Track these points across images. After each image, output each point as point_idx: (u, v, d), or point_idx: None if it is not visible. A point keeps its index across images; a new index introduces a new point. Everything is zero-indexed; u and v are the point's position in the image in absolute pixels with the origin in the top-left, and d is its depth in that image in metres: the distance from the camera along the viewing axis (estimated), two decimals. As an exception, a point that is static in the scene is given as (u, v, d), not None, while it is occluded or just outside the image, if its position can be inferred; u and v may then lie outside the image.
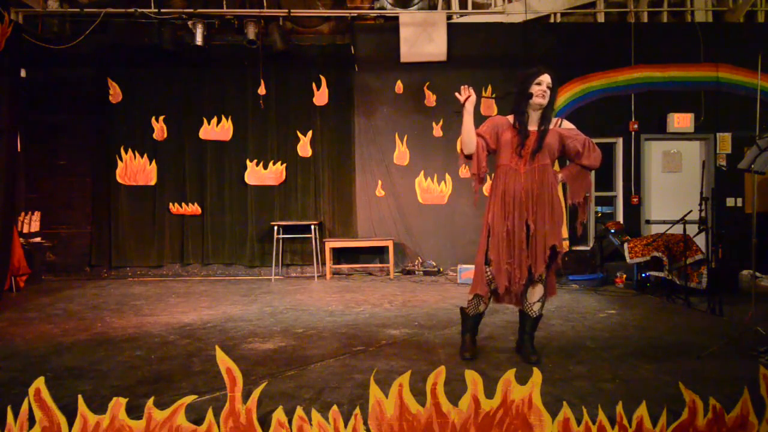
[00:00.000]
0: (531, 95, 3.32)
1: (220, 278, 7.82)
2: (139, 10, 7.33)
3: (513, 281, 3.33)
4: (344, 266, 8.06)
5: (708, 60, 7.92)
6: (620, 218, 8.00)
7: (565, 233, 7.96)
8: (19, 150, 6.92)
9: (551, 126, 3.38)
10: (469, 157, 3.45)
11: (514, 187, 3.34)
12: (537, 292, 3.40)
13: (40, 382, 2.19)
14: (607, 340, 4.00)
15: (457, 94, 3.34)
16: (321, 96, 8.08)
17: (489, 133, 3.43)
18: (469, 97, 3.31)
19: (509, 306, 3.54)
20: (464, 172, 8.05)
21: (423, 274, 7.83)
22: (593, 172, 3.77)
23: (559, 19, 8.21)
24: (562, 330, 4.34)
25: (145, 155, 8.06)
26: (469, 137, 3.38)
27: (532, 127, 3.37)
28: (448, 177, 8.09)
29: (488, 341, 3.96)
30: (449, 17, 8.01)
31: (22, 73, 7.12)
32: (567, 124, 3.46)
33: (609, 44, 7.99)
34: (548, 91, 3.34)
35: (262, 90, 8.00)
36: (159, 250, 8.10)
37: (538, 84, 3.33)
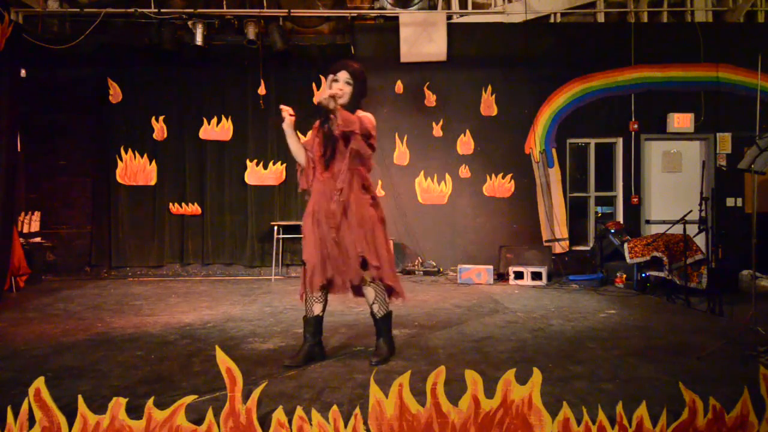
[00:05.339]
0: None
1: (220, 278, 7.82)
2: (139, 10, 7.33)
3: (336, 286, 3.29)
4: (344, 266, 8.04)
5: (708, 60, 7.92)
6: (620, 218, 8.00)
7: (564, 233, 8.00)
8: (19, 150, 6.91)
9: (348, 126, 3.15)
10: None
11: (320, 195, 3.30)
12: (369, 294, 3.36)
13: (40, 382, 2.19)
14: (607, 340, 3.99)
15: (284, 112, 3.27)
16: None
17: (311, 144, 3.37)
18: (285, 118, 3.23)
19: (508, 306, 3.53)
20: (464, 172, 8.05)
21: (423, 274, 7.82)
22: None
23: (559, 19, 8.20)
24: (562, 330, 4.34)
25: (145, 155, 8.06)
26: (295, 153, 3.36)
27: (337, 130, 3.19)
28: (448, 177, 8.08)
29: (488, 341, 3.96)
30: (449, 17, 8.01)
31: (22, 73, 7.11)
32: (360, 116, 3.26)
33: (609, 44, 7.99)
34: (346, 87, 3.23)
35: (262, 90, 8.00)
36: (159, 250, 8.10)
37: (335, 81, 3.25)
